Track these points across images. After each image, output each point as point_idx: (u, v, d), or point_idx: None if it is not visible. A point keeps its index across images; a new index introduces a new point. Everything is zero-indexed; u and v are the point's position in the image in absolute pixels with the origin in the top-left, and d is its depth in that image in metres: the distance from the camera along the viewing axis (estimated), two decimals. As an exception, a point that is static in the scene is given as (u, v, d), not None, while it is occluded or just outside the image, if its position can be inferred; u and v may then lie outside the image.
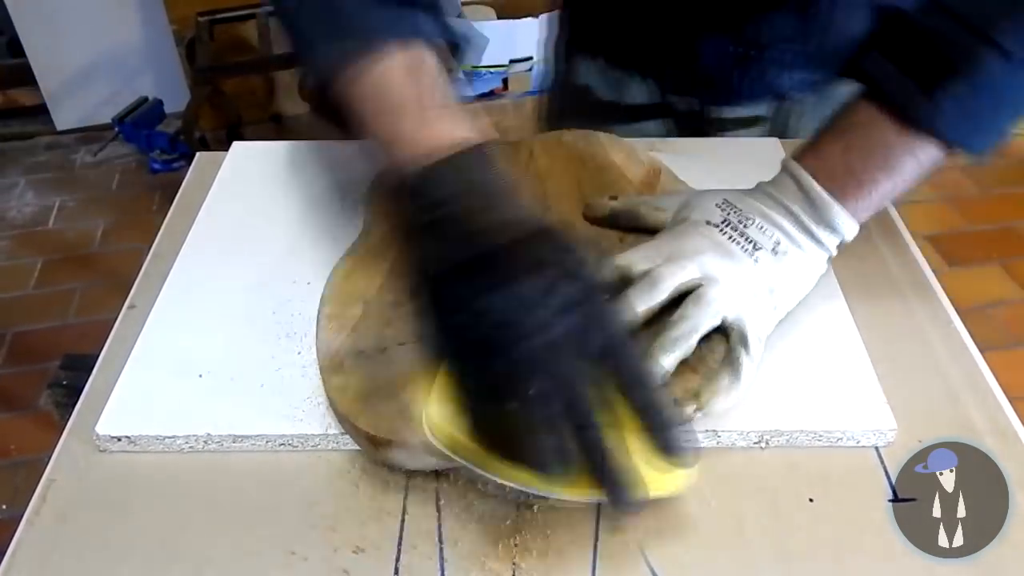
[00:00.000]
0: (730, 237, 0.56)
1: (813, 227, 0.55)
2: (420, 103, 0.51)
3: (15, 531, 0.50)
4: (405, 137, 0.51)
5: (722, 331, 0.54)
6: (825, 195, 0.55)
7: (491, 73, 2.30)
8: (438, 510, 0.50)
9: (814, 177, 0.55)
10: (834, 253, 0.57)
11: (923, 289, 0.66)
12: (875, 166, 0.55)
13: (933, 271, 0.67)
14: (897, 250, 0.70)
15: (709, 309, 0.52)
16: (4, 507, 1.59)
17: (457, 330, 0.46)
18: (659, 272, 0.54)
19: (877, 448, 0.53)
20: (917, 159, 0.55)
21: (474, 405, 0.45)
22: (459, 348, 0.46)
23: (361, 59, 0.52)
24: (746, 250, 0.55)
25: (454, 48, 0.59)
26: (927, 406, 0.56)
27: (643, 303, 0.53)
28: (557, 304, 0.44)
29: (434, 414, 0.47)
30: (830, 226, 0.55)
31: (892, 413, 0.54)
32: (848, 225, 0.55)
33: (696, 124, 0.85)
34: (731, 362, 0.52)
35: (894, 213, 0.74)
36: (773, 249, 0.55)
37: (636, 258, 0.56)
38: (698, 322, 0.52)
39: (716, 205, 0.58)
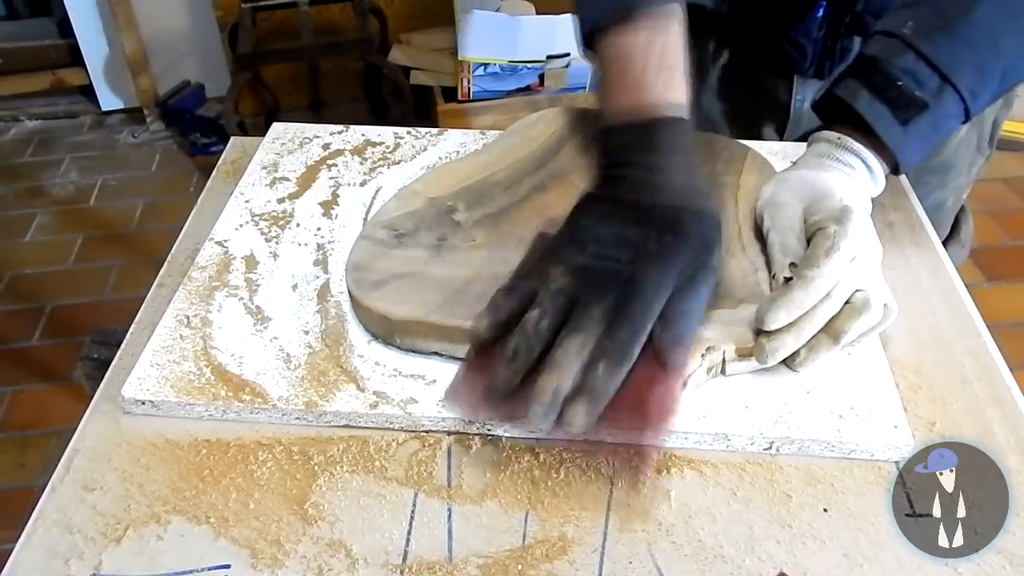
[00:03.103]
0: (873, 224, 0.60)
1: (872, 194, 0.64)
2: (645, 69, 0.59)
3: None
4: (617, 97, 0.59)
5: None
6: (878, 164, 0.63)
7: (528, 68, 2.29)
8: (449, 510, 0.51)
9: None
10: None
11: (953, 301, 0.65)
12: None
13: (971, 285, 0.67)
14: (928, 261, 0.69)
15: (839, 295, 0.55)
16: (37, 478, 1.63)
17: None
18: (839, 297, 0.55)
19: (897, 463, 0.53)
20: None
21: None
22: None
23: (615, 22, 0.60)
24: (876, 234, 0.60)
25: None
26: (950, 419, 0.56)
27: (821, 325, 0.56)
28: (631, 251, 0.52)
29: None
30: (875, 189, 0.64)
31: (910, 426, 0.53)
32: (883, 184, 0.64)
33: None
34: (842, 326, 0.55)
35: (927, 224, 0.73)
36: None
37: (833, 267, 0.55)
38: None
39: (849, 190, 0.61)
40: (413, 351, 0.58)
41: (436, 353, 0.58)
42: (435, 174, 0.71)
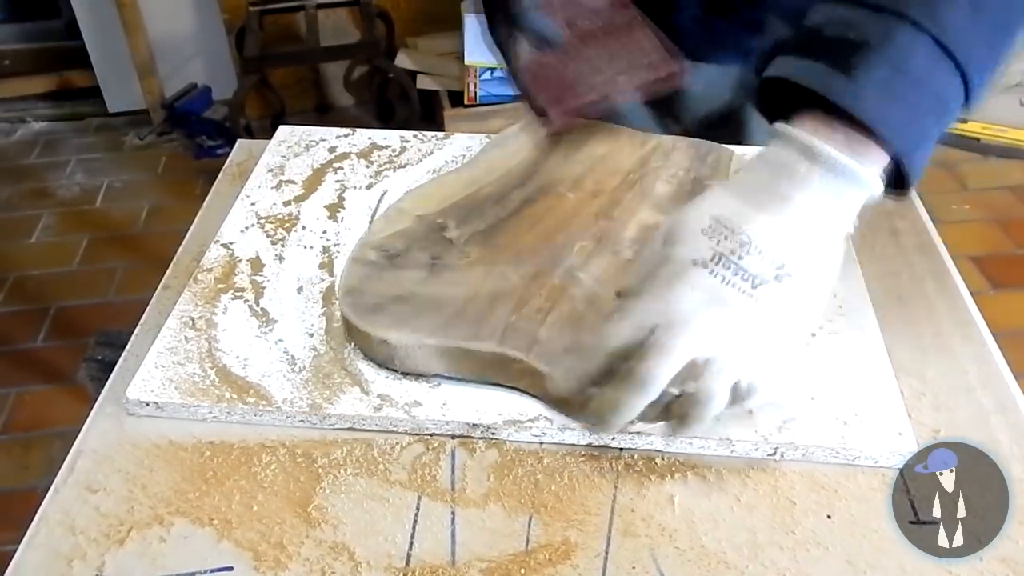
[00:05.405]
0: (723, 279, 0.47)
1: (833, 210, 0.48)
2: None
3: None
4: None
5: None
6: (843, 157, 0.47)
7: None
8: (452, 513, 0.51)
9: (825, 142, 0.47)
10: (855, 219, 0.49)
11: (958, 309, 0.65)
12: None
13: (976, 293, 0.67)
14: (934, 268, 0.69)
15: (718, 386, 0.46)
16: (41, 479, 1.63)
17: None
18: (649, 371, 0.46)
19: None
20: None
21: None
22: None
23: None
24: (743, 291, 0.46)
25: None
26: (954, 427, 0.56)
27: (641, 403, 0.47)
28: None
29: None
30: (855, 194, 0.48)
31: (914, 433, 0.53)
32: (872, 179, 0.47)
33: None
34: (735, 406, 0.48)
35: (933, 231, 0.73)
36: (776, 277, 0.47)
37: (624, 335, 0.47)
38: (711, 400, 0.47)
39: (703, 232, 0.48)
40: (414, 374, 0.57)
41: (437, 375, 0.57)
42: (419, 191, 0.71)
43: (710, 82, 0.83)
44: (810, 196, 0.47)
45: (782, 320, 0.48)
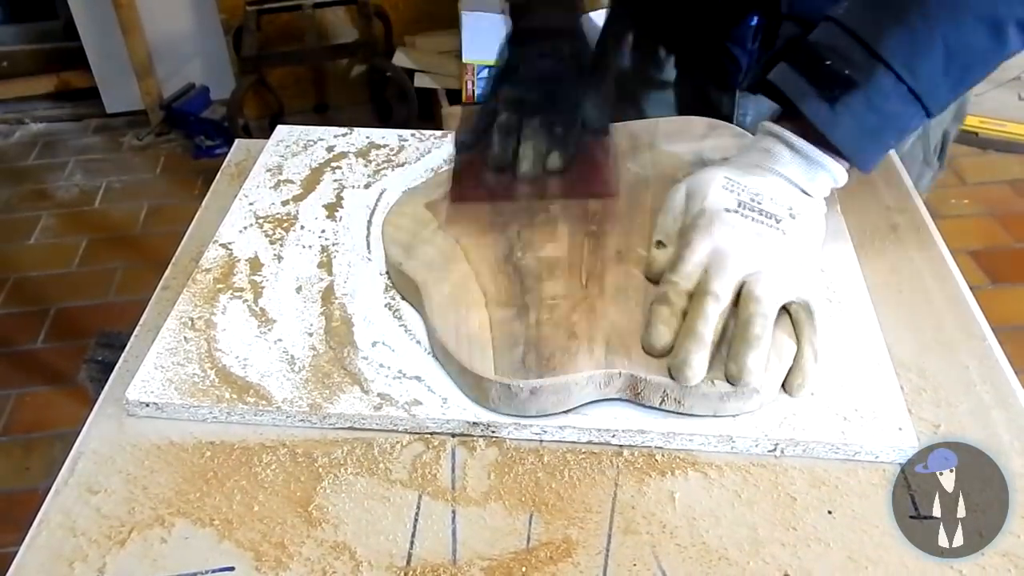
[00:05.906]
0: (752, 219, 0.58)
1: (808, 185, 0.60)
2: None
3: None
4: None
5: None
6: (818, 152, 0.59)
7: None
8: (453, 512, 0.51)
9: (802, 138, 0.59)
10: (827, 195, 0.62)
11: (958, 303, 0.65)
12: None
13: (975, 288, 0.67)
14: (933, 263, 0.69)
15: (771, 299, 0.55)
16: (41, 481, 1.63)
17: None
18: (712, 288, 0.55)
19: (901, 465, 0.53)
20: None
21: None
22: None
23: None
24: (771, 226, 0.58)
25: None
26: (954, 422, 0.56)
27: (712, 320, 0.54)
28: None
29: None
30: (826, 178, 0.60)
31: (915, 429, 0.53)
32: (839, 173, 0.60)
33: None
34: (808, 341, 0.55)
35: (932, 227, 0.73)
36: (790, 214, 0.59)
37: (682, 275, 0.56)
38: (768, 313, 0.54)
39: (723, 188, 0.59)
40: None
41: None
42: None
43: (764, 112, 0.84)
44: (791, 172, 0.60)
45: (802, 247, 0.58)
